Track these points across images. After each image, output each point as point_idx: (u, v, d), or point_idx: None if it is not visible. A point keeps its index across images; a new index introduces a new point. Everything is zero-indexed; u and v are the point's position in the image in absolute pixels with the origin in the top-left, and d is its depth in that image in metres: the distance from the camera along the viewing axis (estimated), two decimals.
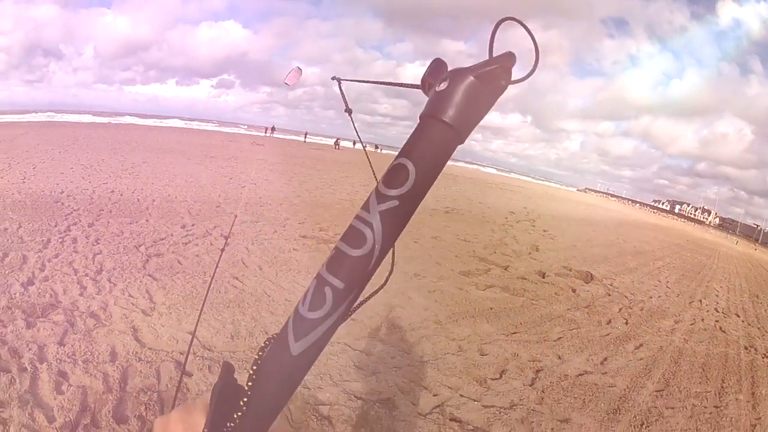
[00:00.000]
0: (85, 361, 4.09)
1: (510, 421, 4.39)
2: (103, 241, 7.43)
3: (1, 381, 3.63)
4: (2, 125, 39.58)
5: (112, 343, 4.44)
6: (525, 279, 9.59)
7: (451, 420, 4.23)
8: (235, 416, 0.52)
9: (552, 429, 4.43)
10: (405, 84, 0.76)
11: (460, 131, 0.55)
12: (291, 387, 0.54)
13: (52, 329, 4.52)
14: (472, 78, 0.53)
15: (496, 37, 0.55)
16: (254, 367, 0.54)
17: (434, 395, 4.57)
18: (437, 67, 0.62)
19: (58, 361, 4.04)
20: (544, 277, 10.12)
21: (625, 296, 10.29)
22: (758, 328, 10.72)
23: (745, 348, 8.59)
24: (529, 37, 0.58)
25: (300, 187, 17.02)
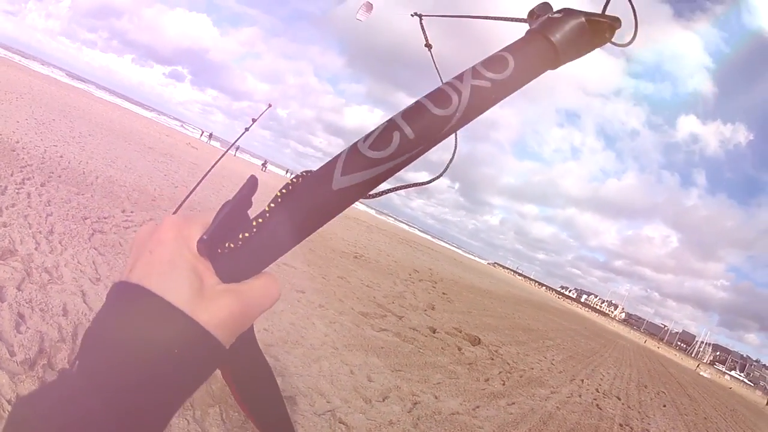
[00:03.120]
0: (41, 310, 4.56)
1: None
2: (53, 204, 7.84)
3: None
4: None
5: (64, 300, 4.92)
6: (416, 330, 10.37)
7: (340, 423, 5.11)
8: (240, 236, 0.49)
9: None
10: (508, 18, 0.79)
11: (559, 57, 0.59)
12: (314, 223, 0.52)
13: (12, 274, 4.94)
14: (584, 19, 0.58)
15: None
16: (282, 191, 0.52)
17: (327, 402, 5.43)
18: (547, 5, 0.65)
19: (18, 303, 4.48)
20: (434, 333, 10.92)
21: (507, 363, 11.28)
22: (638, 412, 11.99)
23: (620, 425, 9.76)
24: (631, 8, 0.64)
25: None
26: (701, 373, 47.60)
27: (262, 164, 68.10)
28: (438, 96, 0.55)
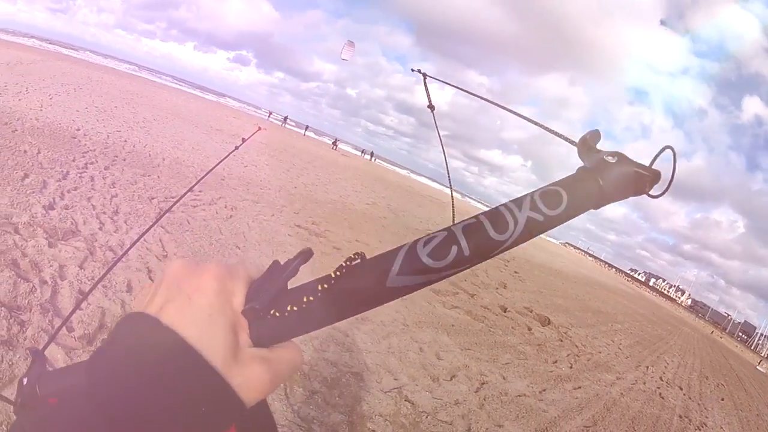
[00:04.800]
0: (104, 287, 4.55)
1: (453, 414, 5.10)
2: (118, 186, 7.93)
3: (20, 287, 3.98)
4: (20, 47, 39.95)
5: (128, 277, 4.93)
6: (487, 309, 10.20)
7: (405, 401, 4.93)
8: (288, 308, 0.50)
9: (486, 429, 5.16)
10: (559, 134, 0.82)
11: (602, 200, 0.61)
12: (361, 310, 0.53)
13: (73, 253, 4.96)
14: (633, 170, 0.61)
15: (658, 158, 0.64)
16: (337, 273, 0.52)
17: (395, 379, 5.26)
18: (596, 136, 0.68)
19: (79, 281, 4.49)
20: (505, 312, 10.73)
21: (576, 345, 10.97)
22: (698, 404, 11.42)
23: (680, 416, 9.26)
24: (672, 166, 0.65)
25: (297, 179, 17.48)
26: (758, 367, 45.76)
27: (333, 143, 68.57)
28: (497, 220, 0.57)
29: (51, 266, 4.57)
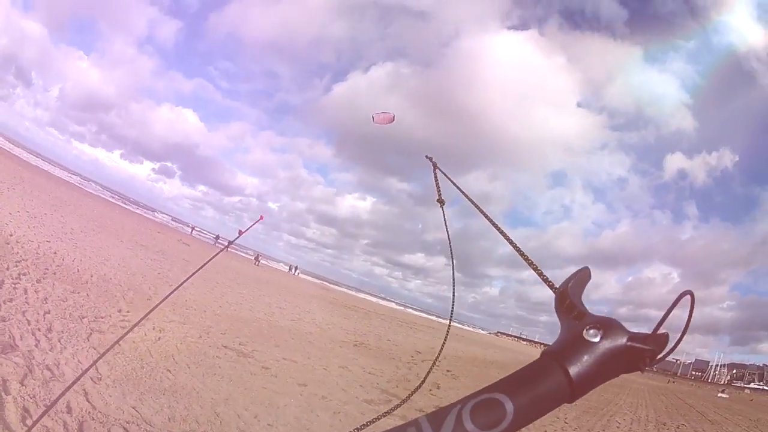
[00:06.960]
0: (46, 406, 4.69)
1: None
2: (50, 302, 7.98)
3: None
4: None
5: (67, 398, 5.02)
6: (423, 411, 10.10)
7: None
8: None
9: None
10: (541, 274, 0.67)
11: (576, 393, 0.46)
12: None
13: (14, 369, 5.11)
14: (626, 345, 0.46)
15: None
16: None
17: None
18: (584, 279, 0.56)
19: (22, 398, 4.64)
20: None
21: None
22: None
23: None
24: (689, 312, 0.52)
25: (221, 298, 17.36)
26: (720, 395, 46.38)
27: (255, 258, 67.92)
28: None
29: None
